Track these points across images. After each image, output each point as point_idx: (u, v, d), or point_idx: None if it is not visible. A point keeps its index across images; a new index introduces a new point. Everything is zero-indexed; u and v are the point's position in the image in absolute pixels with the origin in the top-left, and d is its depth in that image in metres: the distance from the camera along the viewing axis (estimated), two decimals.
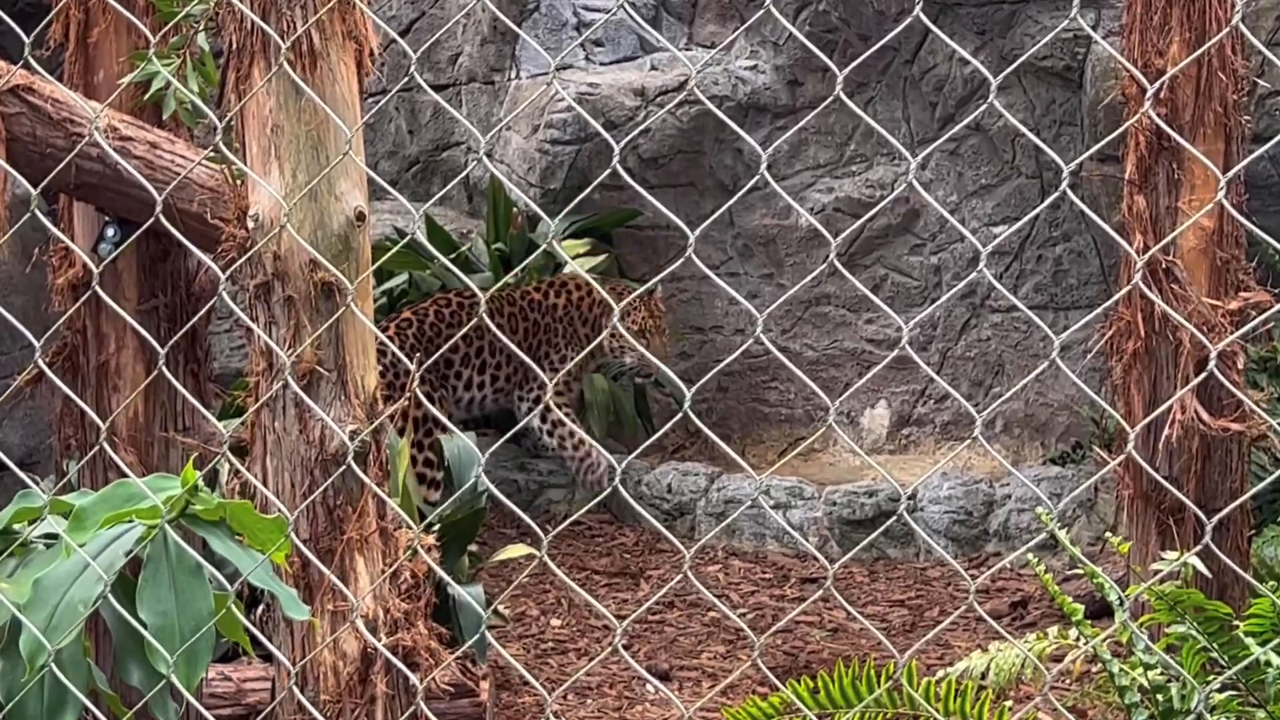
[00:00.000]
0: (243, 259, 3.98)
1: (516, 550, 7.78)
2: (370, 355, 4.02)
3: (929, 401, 10.96)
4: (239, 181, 4.21)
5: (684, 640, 8.07)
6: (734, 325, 11.08)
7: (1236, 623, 4.66)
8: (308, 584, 3.92)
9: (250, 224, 4.00)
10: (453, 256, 10.04)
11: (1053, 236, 10.74)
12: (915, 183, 10.21)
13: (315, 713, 3.78)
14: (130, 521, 3.12)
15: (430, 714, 4.04)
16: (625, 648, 7.84)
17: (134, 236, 5.08)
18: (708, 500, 9.61)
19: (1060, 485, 9.32)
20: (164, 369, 3.46)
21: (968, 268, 10.88)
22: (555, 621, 8.20)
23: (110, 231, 6.14)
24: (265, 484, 3.96)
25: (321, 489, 3.93)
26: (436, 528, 7.07)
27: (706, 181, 10.92)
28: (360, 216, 3.98)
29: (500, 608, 7.95)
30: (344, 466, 3.86)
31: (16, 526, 3.30)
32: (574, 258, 10.33)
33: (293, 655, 3.93)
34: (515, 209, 10.32)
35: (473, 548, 7.71)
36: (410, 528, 4.20)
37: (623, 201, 10.70)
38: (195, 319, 5.68)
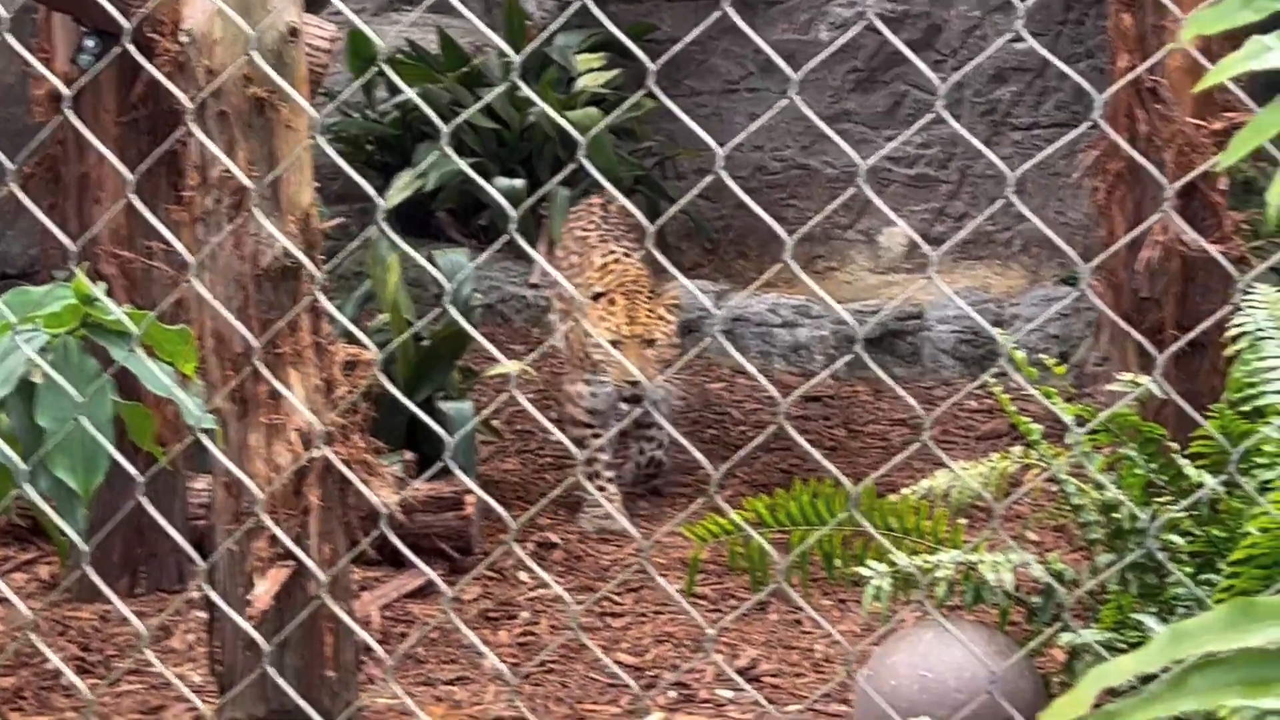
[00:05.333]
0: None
1: (512, 365, 7.81)
2: (305, 172, 4.03)
3: (948, 220, 10.91)
4: None
5: (678, 457, 8.09)
6: (752, 142, 11.01)
7: (1173, 444, 4.66)
8: (242, 398, 3.97)
9: (184, 38, 4.00)
10: (465, 70, 10.01)
11: (1075, 53, 10.61)
12: None
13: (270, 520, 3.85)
14: (34, 328, 3.17)
15: (355, 521, 4.11)
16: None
17: (115, 53, 5.05)
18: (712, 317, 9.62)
19: (1071, 305, 9.29)
20: (132, 199, 3.48)
21: (989, 84, 10.78)
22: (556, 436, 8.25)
23: (89, 43, 6.15)
24: (200, 299, 4.00)
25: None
26: (426, 342, 7.14)
27: None
28: (293, 32, 3.97)
29: (495, 423, 8.01)
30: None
31: None
32: (588, 71, 10.28)
33: (226, 467, 3.98)
34: (529, 22, 10.25)
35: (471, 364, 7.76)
36: (367, 346, 4.24)
37: (640, 15, 10.61)
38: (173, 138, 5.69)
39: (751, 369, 3.17)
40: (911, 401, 3.33)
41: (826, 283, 10.71)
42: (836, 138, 3.00)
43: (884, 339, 9.37)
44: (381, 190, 10.14)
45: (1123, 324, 5.93)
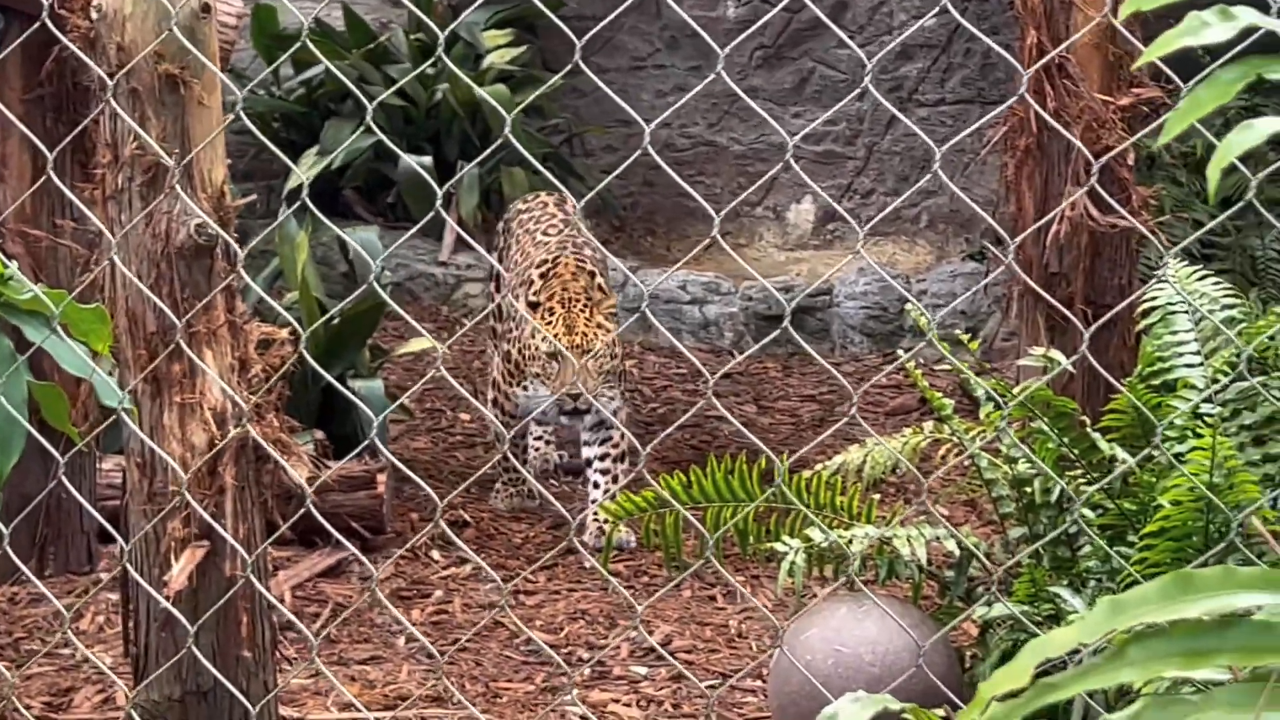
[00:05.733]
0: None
1: (422, 343, 7.81)
2: (218, 149, 3.99)
3: (855, 197, 10.95)
4: None
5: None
6: (660, 119, 11.01)
7: (1084, 418, 4.70)
8: (155, 377, 3.93)
9: (94, 14, 3.95)
10: (371, 47, 9.96)
11: (980, 29, 10.66)
12: None
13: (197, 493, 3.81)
14: None
15: (272, 501, 4.08)
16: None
17: (28, 32, 4.99)
18: (624, 295, 9.62)
19: (976, 281, 9.36)
20: (51, 175, 3.44)
21: (895, 61, 10.83)
22: (465, 416, 8.25)
23: None
24: (114, 277, 3.96)
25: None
26: (335, 321, 7.10)
27: None
28: (205, 8, 3.92)
29: (407, 402, 7.98)
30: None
31: None
32: (495, 48, 10.25)
33: (140, 447, 3.94)
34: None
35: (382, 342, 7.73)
36: (294, 328, 4.21)
37: None
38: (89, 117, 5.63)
39: (681, 347, 3.18)
40: (839, 376, 3.34)
41: (733, 261, 10.72)
42: (762, 112, 3.01)
43: (794, 316, 9.39)
44: (288, 169, 10.08)
45: (1047, 297, 5.97)
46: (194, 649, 3.77)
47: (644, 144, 2.84)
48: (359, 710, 5.52)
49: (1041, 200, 6.16)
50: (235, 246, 3.88)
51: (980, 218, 10.68)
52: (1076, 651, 1.96)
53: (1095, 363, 4.16)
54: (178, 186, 3.75)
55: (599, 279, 7.09)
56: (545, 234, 7.39)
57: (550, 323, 6.87)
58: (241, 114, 3.47)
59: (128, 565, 3.93)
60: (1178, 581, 1.43)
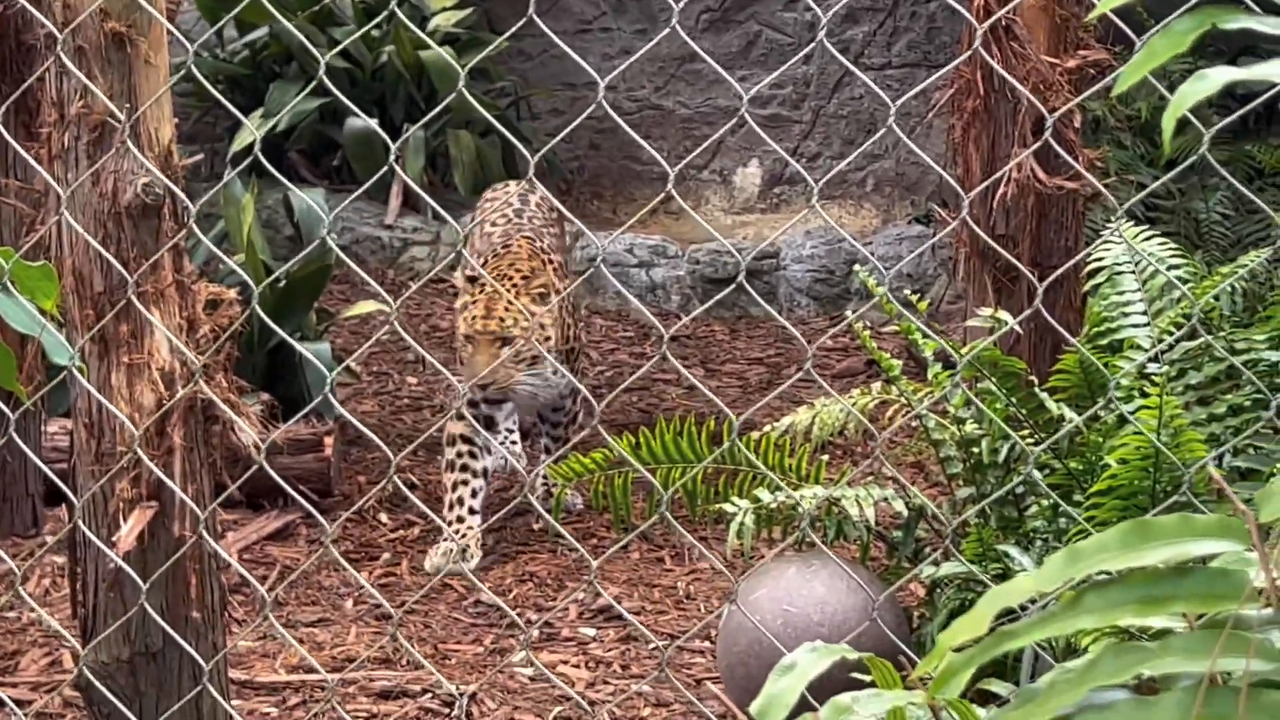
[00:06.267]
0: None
1: (369, 306, 7.79)
2: (165, 108, 3.96)
3: (801, 160, 10.95)
4: None
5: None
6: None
7: (1032, 378, 4.72)
8: (103, 337, 3.90)
9: None
10: (316, 9, 9.90)
11: None
12: None
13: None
14: None
15: (221, 463, 4.06)
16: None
17: None
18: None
19: (922, 244, 9.38)
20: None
21: (842, 24, 10.82)
22: (412, 380, 8.23)
23: None
24: (60, 237, 3.93)
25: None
26: (282, 284, 7.07)
27: None
28: None
29: (353, 364, 7.95)
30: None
31: None
32: (441, 10, 10.21)
33: (88, 407, 3.92)
34: None
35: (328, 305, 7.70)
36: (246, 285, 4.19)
37: None
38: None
39: (638, 304, 3.17)
40: (795, 333, 3.34)
41: (681, 223, 10.73)
42: (719, 69, 3.00)
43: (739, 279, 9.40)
44: (233, 131, 10.02)
45: (1005, 254, 5.98)
46: (146, 606, 3.75)
47: (599, 99, 2.83)
48: (307, 672, 5.52)
49: (989, 162, 6.17)
50: (188, 202, 3.85)
51: (925, 182, 10.71)
52: (1033, 604, 1.97)
53: (1047, 320, 4.18)
54: (129, 142, 3.72)
55: (549, 267, 6.69)
56: (498, 221, 7.07)
57: (473, 304, 6.43)
58: (194, 69, 3.44)
59: (78, 524, 3.91)
60: (1136, 529, 1.44)
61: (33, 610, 5.88)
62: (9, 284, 3.34)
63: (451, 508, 6.43)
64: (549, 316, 6.55)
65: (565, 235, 7.45)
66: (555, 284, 6.59)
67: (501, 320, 6.35)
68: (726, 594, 5.44)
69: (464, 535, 6.38)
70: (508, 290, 6.36)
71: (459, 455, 6.46)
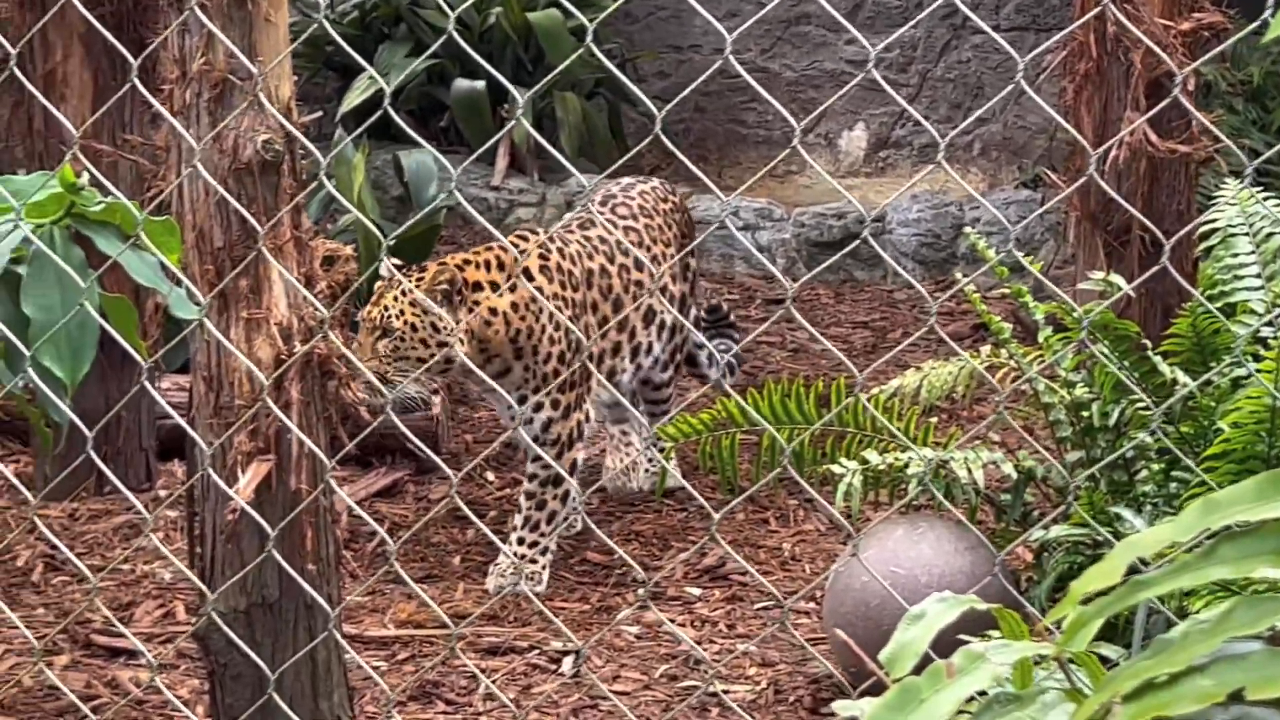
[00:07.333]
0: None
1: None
2: (285, 65, 4.00)
3: (907, 124, 10.91)
4: None
5: None
6: (713, 44, 10.99)
7: (1145, 342, 4.70)
8: (222, 292, 3.95)
9: None
10: None
11: None
12: None
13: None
14: (16, 218, 3.15)
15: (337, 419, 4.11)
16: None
17: None
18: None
19: (1030, 208, 9.33)
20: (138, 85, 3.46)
21: None
22: None
23: None
24: (180, 193, 3.98)
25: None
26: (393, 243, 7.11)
27: None
28: None
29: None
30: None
31: None
32: None
33: (207, 361, 3.97)
34: None
35: None
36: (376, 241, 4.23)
37: None
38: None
39: (764, 259, 3.17)
40: (919, 287, 3.34)
41: (786, 186, 10.72)
42: (847, 24, 3.00)
43: (845, 242, 9.39)
44: (341, 91, 10.09)
45: (1134, 214, 5.95)
46: (275, 553, 3.80)
47: (725, 55, 2.83)
48: (416, 628, 5.58)
49: (1101, 126, 6.14)
50: (318, 154, 3.85)
51: (1032, 146, 10.64)
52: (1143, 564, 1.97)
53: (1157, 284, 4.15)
54: (260, 96, 3.76)
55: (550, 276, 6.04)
56: (573, 226, 6.40)
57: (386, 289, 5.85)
58: (326, 23, 3.48)
59: (206, 473, 3.96)
60: (1272, 481, 1.44)
61: (148, 563, 5.97)
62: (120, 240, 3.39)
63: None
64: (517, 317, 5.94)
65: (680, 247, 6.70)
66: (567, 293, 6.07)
67: (380, 311, 5.75)
68: (849, 541, 5.45)
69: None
70: (413, 283, 5.75)
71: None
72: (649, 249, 6.45)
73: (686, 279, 6.66)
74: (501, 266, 5.95)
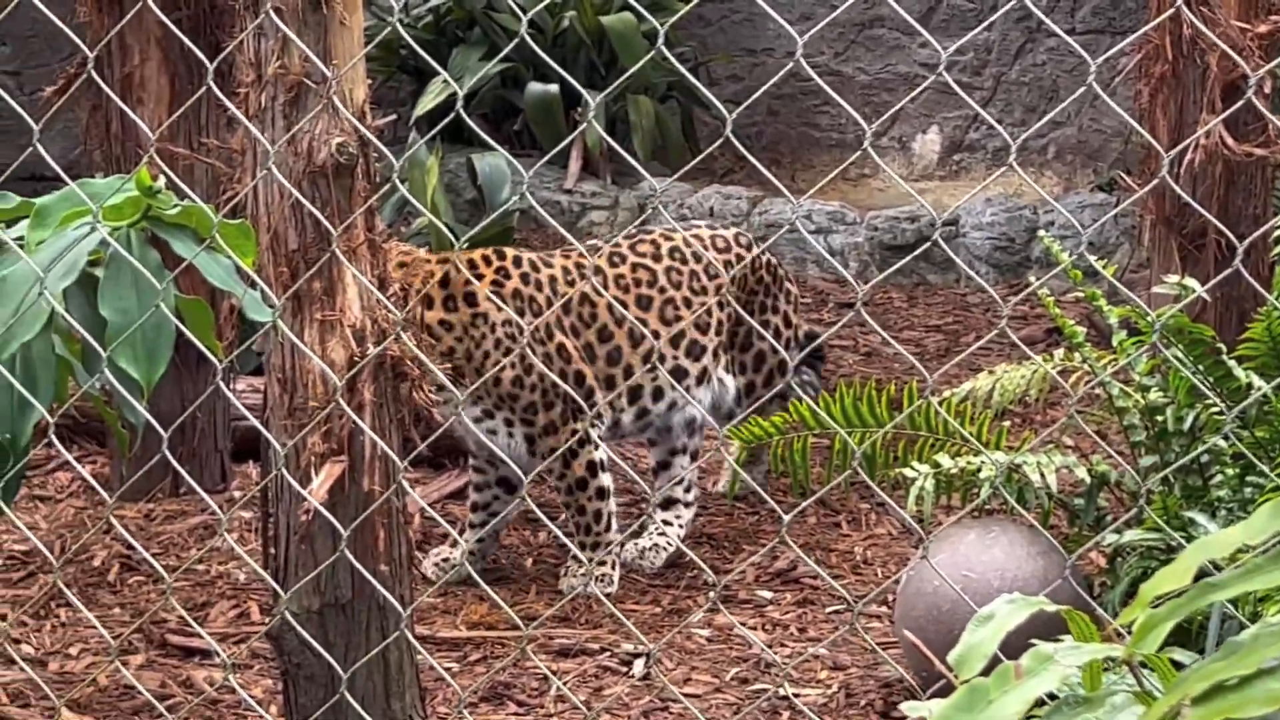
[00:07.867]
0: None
1: None
2: (359, 68, 4.03)
3: (981, 127, 10.88)
4: None
5: None
6: (786, 47, 10.98)
7: (1220, 346, 4.67)
8: (296, 294, 3.98)
9: None
10: None
11: None
12: None
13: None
14: (93, 220, 3.18)
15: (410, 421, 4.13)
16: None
17: None
18: (749, 224, 9.62)
19: (1104, 212, 9.29)
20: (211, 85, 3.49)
21: None
22: None
23: None
24: (255, 196, 4.01)
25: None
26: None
27: None
28: None
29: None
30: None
31: None
32: None
33: (281, 363, 4.00)
34: None
35: None
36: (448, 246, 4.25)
37: None
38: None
39: (833, 261, 3.18)
40: (990, 290, 3.33)
41: (860, 190, 10.70)
42: (920, 28, 3.00)
43: (918, 245, 9.36)
44: (415, 95, 10.13)
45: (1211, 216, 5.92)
46: (347, 553, 3.83)
47: (796, 57, 2.83)
48: (487, 629, 5.59)
49: (1176, 128, 6.11)
50: (391, 158, 3.87)
51: (1107, 150, 10.59)
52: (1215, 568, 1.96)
53: (1233, 288, 4.13)
54: (335, 99, 3.79)
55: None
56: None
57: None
58: (400, 27, 3.50)
59: (280, 474, 3.99)
60: None
61: (222, 564, 6.01)
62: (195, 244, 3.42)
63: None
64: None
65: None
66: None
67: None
68: (920, 545, 5.43)
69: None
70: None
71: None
72: (664, 291, 6.14)
73: (719, 332, 6.33)
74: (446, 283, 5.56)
